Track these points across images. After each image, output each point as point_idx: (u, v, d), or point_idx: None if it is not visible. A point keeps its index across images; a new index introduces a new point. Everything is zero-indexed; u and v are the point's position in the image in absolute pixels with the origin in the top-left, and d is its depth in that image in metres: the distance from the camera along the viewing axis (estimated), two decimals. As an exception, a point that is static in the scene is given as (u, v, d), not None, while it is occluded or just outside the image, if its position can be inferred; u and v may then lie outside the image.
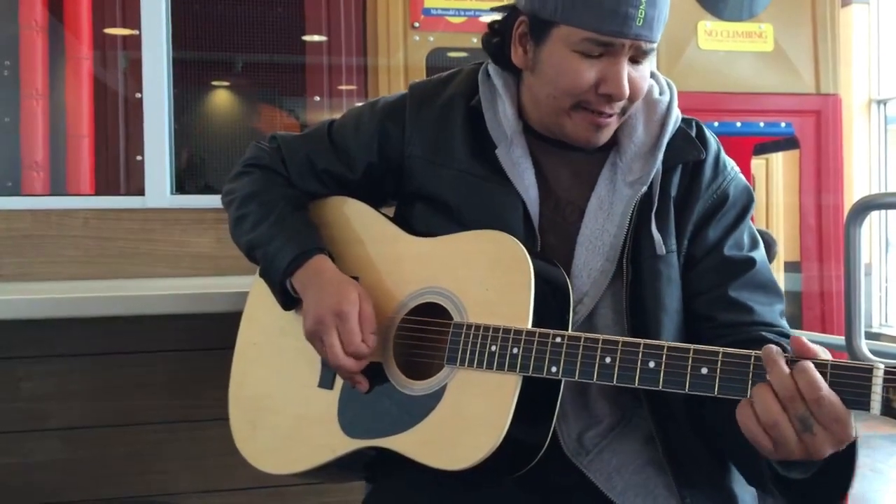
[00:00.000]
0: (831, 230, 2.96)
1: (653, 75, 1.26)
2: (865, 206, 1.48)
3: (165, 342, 1.92)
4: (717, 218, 1.19)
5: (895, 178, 6.48)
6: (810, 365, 0.88)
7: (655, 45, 1.13)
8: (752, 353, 0.94)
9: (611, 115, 1.15)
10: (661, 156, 1.18)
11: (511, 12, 1.19)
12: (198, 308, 1.68)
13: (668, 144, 1.19)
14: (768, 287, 1.19)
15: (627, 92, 1.12)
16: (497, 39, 1.22)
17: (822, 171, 3.04)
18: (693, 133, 1.22)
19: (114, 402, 1.91)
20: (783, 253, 4.74)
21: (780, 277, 4.74)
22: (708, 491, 1.16)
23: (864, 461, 4.51)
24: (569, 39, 1.11)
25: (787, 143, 3.21)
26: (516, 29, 1.18)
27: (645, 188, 1.17)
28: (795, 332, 1.14)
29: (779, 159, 4.80)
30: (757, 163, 4.56)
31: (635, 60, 1.13)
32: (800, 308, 3.22)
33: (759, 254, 1.21)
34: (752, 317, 1.15)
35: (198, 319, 1.79)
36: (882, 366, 0.87)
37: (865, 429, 4.94)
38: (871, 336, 6.16)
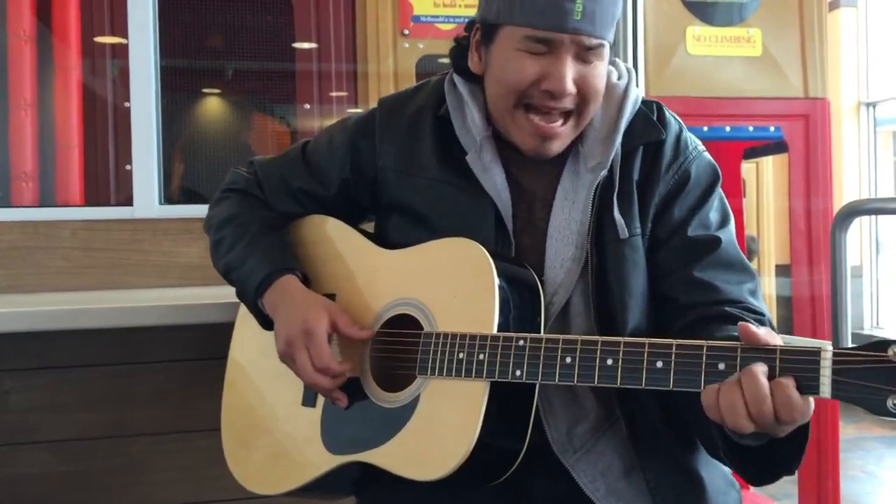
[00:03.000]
0: (821, 234, 2.97)
1: (612, 62, 1.27)
2: (851, 212, 1.49)
3: (155, 353, 1.91)
4: (680, 198, 1.20)
5: (884, 179, 6.51)
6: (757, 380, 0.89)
7: (604, 41, 1.14)
8: (704, 343, 0.95)
9: (560, 115, 1.15)
10: (619, 139, 1.19)
11: (470, 24, 1.24)
12: (187, 319, 1.68)
13: (628, 128, 1.20)
14: (735, 265, 1.18)
15: (570, 88, 1.12)
16: (458, 50, 1.26)
17: (811, 175, 3.05)
18: (654, 115, 1.23)
19: (103, 414, 1.90)
20: (773, 256, 4.77)
21: (770, 281, 4.76)
22: (684, 499, 1.17)
23: (856, 463, 4.52)
24: (512, 38, 1.13)
25: (776, 146, 3.22)
26: (473, 37, 1.22)
27: (605, 172, 1.18)
28: (769, 314, 1.15)
29: (768, 163, 4.82)
30: (747, 166, 4.58)
31: (584, 59, 1.13)
32: (790, 311, 3.22)
33: (727, 232, 1.21)
34: (717, 295, 1.15)
35: (187, 330, 1.79)
36: (830, 348, 0.88)
37: (857, 431, 4.95)
38: (863, 338, 6.21)
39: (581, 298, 1.18)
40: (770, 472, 1.02)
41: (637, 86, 1.25)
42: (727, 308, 1.13)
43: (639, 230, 1.18)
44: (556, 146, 1.18)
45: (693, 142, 1.24)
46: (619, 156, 1.19)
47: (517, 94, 1.15)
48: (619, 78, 1.24)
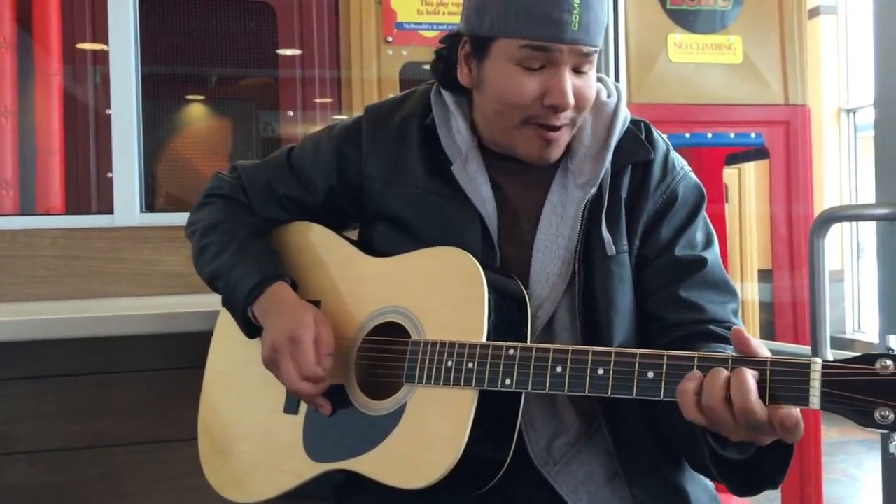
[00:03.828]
0: (802, 239, 3.00)
1: (601, 79, 1.28)
2: (829, 219, 1.50)
3: (136, 362, 1.90)
4: (667, 217, 1.21)
5: (865, 185, 6.58)
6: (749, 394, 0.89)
7: (597, 50, 1.14)
8: (696, 354, 0.96)
9: (559, 128, 1.15)
10: (609, 157, 1.19)
11: (455, 37, 1.21)
12: (168, 328, 1.67)
13: (617, 146, 1.21)
14: (720, 285, 1.20)
15: (572, 101, 1.12)
16: (443, 64, 1.24)
17: (792, 181, 3.08)
18: (642, 134, 1.23)
19: (84, 424, 1.88)
20: (755, 261, 4.80)
21: (753, 287, 4.78)
22: (664, 498, 1.17)
23: (839, 467, 4.55)
24: (508, 52, 1.12)
25: (757, 153, 3.25)
26: (461, 50, 1.20)
27: (594, 189, 1.18)
28: (757, 338, 1.17)
29: (750, 169, 4.86)
30: (729, 172, 4.61)
31: (578, 70, 1.14)
32: (772, 316, 3.25)
33: (713, 252, 1.22)
34: (703, 314, 1.16)
35: (169, 339, 1.78)
36: (819, 360, 0.89)
37: (839, 434, 4.99)
38: (844, 342, 6.24)
39: (567, 314, 1.18)
40: (754, 484, 1.03)
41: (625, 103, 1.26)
42: (712, 327, 1.14)
43: (626, 248, 1.19)
44: (556, 152, 1.18)
45: (680, 161, 1.26)
46: (609, 173, 1.20)
47: (520, 112, 1.14)
48: (608, 96, 1.25)
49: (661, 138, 1.26)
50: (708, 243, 1.23)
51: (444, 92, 1.27)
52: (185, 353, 1.82)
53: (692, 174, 1.26)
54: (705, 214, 1.25)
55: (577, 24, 1.09)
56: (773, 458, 0.98)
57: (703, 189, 1.25)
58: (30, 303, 1.97)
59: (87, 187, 3.65)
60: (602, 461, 1.19)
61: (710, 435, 0.99)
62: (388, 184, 1.27)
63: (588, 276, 1.17)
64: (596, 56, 1.15)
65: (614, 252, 1.17)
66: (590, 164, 1.20)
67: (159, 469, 1.90)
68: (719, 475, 1.04)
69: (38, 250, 2.01)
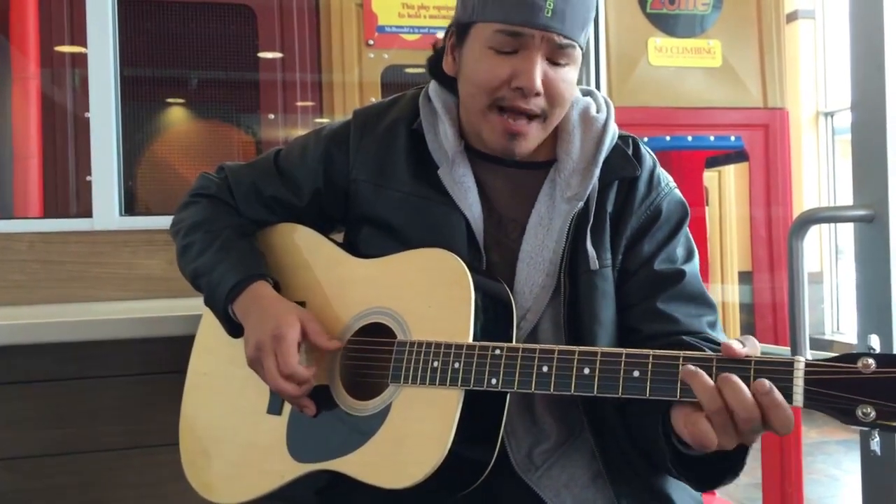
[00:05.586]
0: (781, 241, 3.03)
1: (592, 94, 1.30)
2: (806, 220, 1.51)
3: (116, 367, 1.88)
4: (650, 233, 1.22)
5: (843, 187, 6.65)
6: (735, 381, 0.90)
7: (574, 44, 1.14)
8: (681, 353, 0.96)
9: (526, 117, 1.15)
10: (597, 172, 1.21)
11: (448, 29, 1.24)
12: (149, 332, 1.65)
13: (605, 161, 1.22)
14: (697, 298, 1.21)
15: (539, 85, 1.13)
16: (436, 56, 1.26)
17: (771, 184, 3.11)
18: (630, 150, 1.25)
19: (64, 430, 1.86)
20: (736, 263, 4.84)
21: (733, 288, 4.83)
22: (648, 501, 1.18)
23: (819, 467, 4.59)
24: (483, 36, 1.14)
25: (737, 156, 3.28)
26: (448, 40, 1.22)
27: (581, 204, 1.20)
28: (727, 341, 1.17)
29: (730, 172, 4.90)
30: (709, 175, 4.65)
31: (554, 61, 1.15)
32: (753, 318, 3.28)
33: (691, 266, 1.23)
34: (677, 327, 1.17)
35: (149, 343, 1.76)
36: (802, 359, 0.90)
37: (819, 435, 5.03)
38: (824, 343, 6.30)
39: (551, 325, 1.19)
40: (717, 478, 1.04)
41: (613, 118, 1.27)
42: (685, 338, 1.15)
43: (609, 262, 1.20)
44: (524, 146, 1.18)
45: (665, 178, 1.27)
46: (596, 188, 1.21)
47: (489, 94, 1.15)
48: (598, 111, 1.26)
49: (648, 154, 1.27)
50: (688, 257, 1.24)
51: (432, 96, 1.28)
52: (166, 357, 1.81)
53: (677, 190, 1.27)
54: (687, 230, 1.26)
55: (550, 12, 1.10)
56: (732, 456, 0.99)
57: (687, 206, 1.27)
58: (7, 307, 1.95)
59: (66, 191, 3.62)
60: (585, 463, 1.20)
61: (673, 435, 1.00)
62: (374, 187, 1.28)
63: (573, 289, 1.18)
64: (575, 53, 1.16)
65: (597, 266, 1.18)
66: (577, 178, 1.21)
67: (140, 475, 1.89)
68: (680, 475, 1.05)
69: (15, 254, 1.99)
